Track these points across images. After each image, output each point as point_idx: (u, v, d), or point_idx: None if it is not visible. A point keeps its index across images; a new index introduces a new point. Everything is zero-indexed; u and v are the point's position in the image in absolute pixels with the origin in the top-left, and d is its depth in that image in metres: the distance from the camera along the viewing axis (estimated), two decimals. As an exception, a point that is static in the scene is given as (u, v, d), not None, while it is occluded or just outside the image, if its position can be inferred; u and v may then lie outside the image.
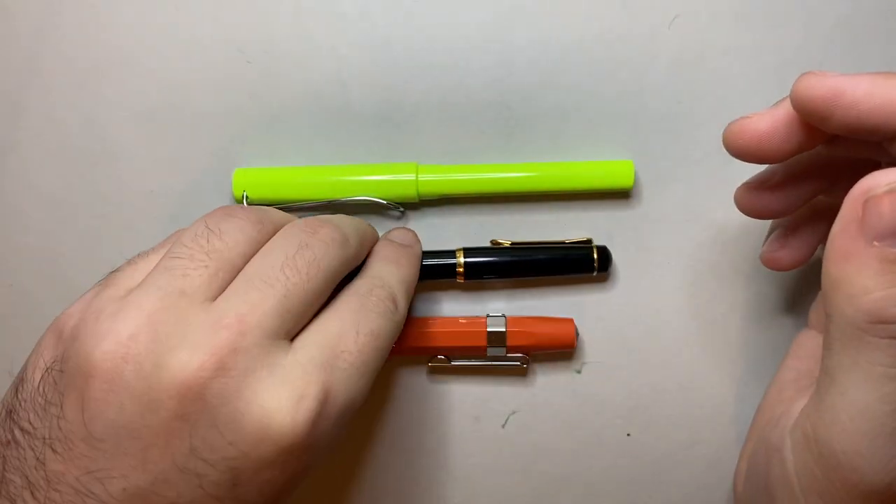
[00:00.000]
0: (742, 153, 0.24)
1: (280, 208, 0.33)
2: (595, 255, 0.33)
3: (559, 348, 0.33)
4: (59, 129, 0.35)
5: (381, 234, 0.33)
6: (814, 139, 0.23)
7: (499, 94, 0.34)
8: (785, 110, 0.24)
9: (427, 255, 0.33)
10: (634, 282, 0.34)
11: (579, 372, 0.34)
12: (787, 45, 0.34)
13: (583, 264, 0.33)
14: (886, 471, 0.20)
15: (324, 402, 0.23)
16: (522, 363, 0.33)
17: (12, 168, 0.35)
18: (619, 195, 0.34)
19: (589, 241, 0.33)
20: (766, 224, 0.33)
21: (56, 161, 0.35)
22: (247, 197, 0.33)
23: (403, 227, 0.33)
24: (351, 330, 0.25)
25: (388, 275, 0.29)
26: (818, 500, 0.22)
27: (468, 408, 0.34)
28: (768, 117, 0.24)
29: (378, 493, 0.34)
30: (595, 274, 0.33)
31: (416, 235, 0.33)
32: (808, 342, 0.31)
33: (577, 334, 0.33)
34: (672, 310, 0.34)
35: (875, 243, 0.19)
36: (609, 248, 0.33)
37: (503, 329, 0.32)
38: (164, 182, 0.35)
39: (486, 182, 0.33)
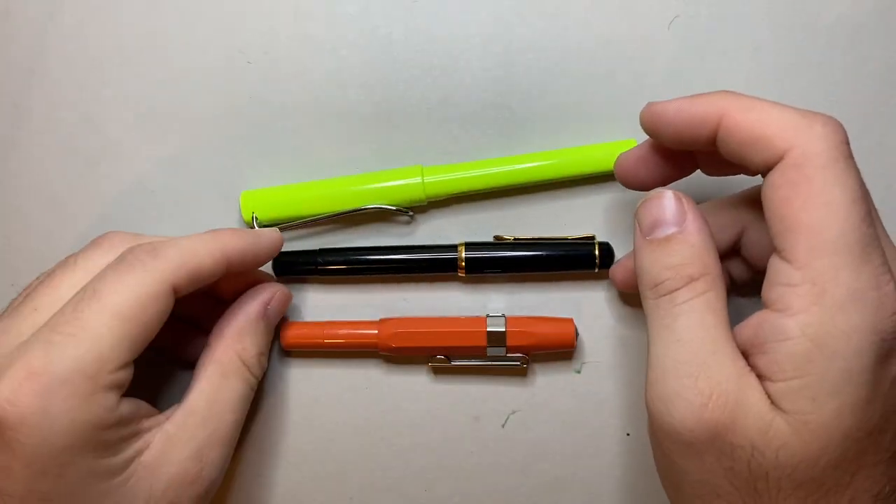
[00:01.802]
0: (624, 182, 0.30)
1: (291, 226, 0.34)
2: (597, 252, 0.33)
3: (559, 348, 0.33)
4: (59, 129, 0.35)
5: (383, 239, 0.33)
6: (677, 164, 0.29)
7: (499, 94, 0.34)
8: (647, 143, 0.29)
9: (429, 249, 0.33)
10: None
11: (579, 372, 0.34)
12: (787, 45, 0.34)
13: (585, 260, 0.33)
14: (674, 407, 0.24)
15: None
16: (522, 363, 0.33)
17: (13, 168, 0.35)
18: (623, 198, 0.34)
19: (592, 238, 0.33)
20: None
21: (56, 161, 0.35)
22: (256, 219, 0.34)
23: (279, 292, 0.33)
24: None
25: None
26: (659, 453, 0.26)
27: (468, 407, 0.34)
28: (636, 150, 0.30)
29: (378, 493, 0.34)
30: (597, 270, 0.33)
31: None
32: None
33: (577, 334, 0.33)
34: (672, 310, 0.34)
35: (646, 237, 0.26)
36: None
37: (503, 329, 0.32)
38: (165, 182, 0.35)
39: (493, 176, 0.33)
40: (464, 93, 0.34)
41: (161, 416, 0.29)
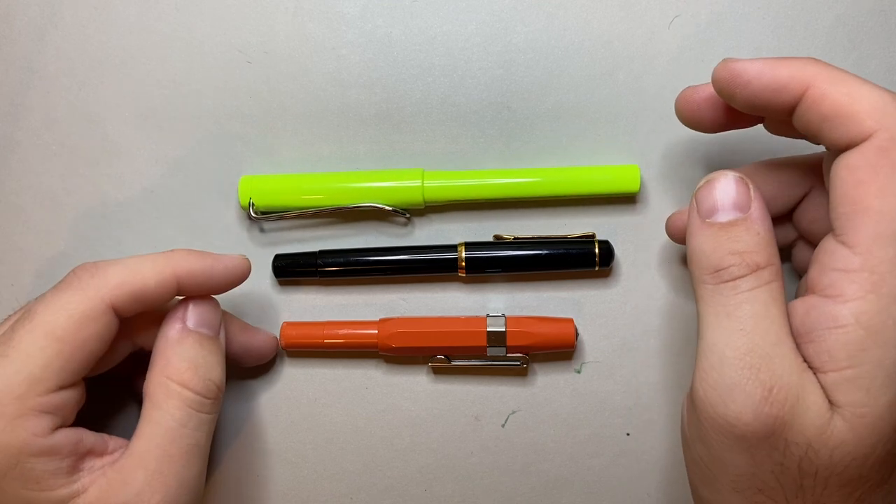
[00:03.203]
0: (683, 118, 0.29)
1: (287, 216, 0.33)
2: (597, 250, 0.33)
3: (559, 348, 0.33)
4: (59, 129, 0.35)
5: (384, 241, 0.33)
6: (744, 115, 0.27)
7: (499, 94, 0.34)
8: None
9: (429, 249, 0.33)
10: (634, 281, 0.34)
11: (579, 371, 0.34)
12: (787, 45, 0.34)
13: (585, 259, 0.33)
14: (733, 399, 0.23)
15: None
16: (522, 363, 0.33)
17: (12, 168, 0.35)
18: (623, 198, 0.34)
19: (591, 236, 0.33)
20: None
21: (56, 161, 0.35)
22: (253, 204, 0.34)
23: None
24: None
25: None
26: (701, 446, 0.25)
27: (468, 407, 0.34)
28: (705, 88, 0.28)
29: (378, 493, 0.34)
30: (597, 269, 0.33)
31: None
32: None
33: (577, 334, 0.33)
34: (672, 310, 0.34)
35: (707, 220, 0.25)
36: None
37: (503, 329, 0.32)
38: (164, 182, 0.35)
39: (492, 188, 0.33)
40: (464, 93, 0.34)
41: (109, 458, 0.27)
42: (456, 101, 0.34)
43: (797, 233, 0.30)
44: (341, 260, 0.34)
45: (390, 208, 0.33)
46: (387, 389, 0.34)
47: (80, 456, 0.27)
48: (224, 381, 0.30)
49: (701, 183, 0.25)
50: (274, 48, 0.35)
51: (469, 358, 0.33)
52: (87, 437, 0.27)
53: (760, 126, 0.29)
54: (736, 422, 0.23)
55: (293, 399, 0.34)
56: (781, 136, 0.28)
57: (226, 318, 0.31)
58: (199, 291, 0.29)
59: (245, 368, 0.34)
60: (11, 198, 0.35)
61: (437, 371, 0.34)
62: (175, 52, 0.35)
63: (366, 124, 0.34)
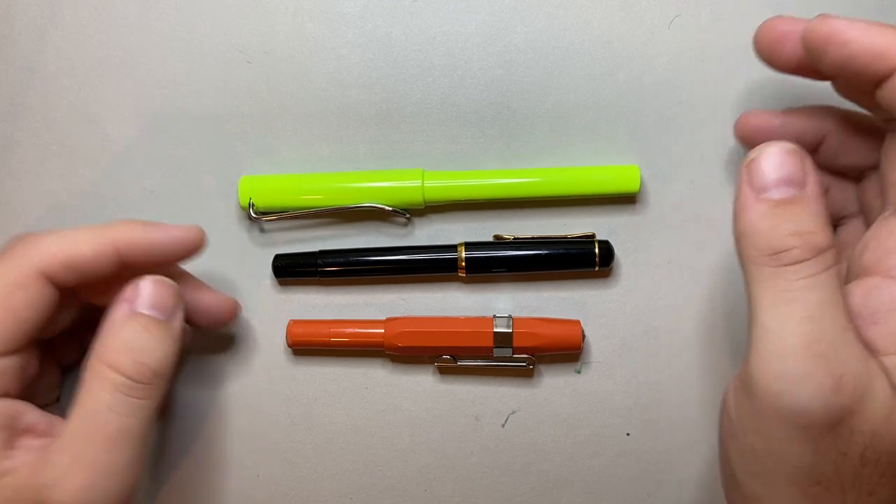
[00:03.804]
0: (761, 50, 0.27)
1: (287, 216, 0.33)
2: (597, 250, 0.33)
3: (565, 350, 0.33)
4: (59, 129, 0.35)
5: (386, 241, 0.33)
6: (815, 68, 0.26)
7: (499, 94, 0.34)
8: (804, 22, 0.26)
9: (429, 249, 0.33)
10: (634, 281, 0.34)
11: (579, 372, 0.34)
12: (787, 45, 0.34)
13: (585, 259, 0.33)
14: (801, 389, 0.22)
15: None
16: (528, 364, 0.33)
17: (12, 168, 0.35)
18: (623, 198, 0.34)
19: (592, 236, 0.33)
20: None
21: (56, 161, 0.35)
22: (253, 205, 0.34)
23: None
24: None
25: None
26: (755, 436, 0.23)
27: (468, 407, 0.34)
28: (791, 22, 0.26)
29: (378, 493, 0.34)
30: (597, 269, 0.33)
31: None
32: None
33: (584, 336, 0.33)
34: (672, 310, 0.34)
35: (761, 196, 0.23)
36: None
37: (510, 330, 0.32)
38: (164, 182, 0.35)
39: (492, 188, 0.33)
40: (464, 93, 0.34)
41: (49, 439, 0.27)
42: (456, 101, 0.34)
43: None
44: (341, 260, 0.34)
45: (390, 208, 0.33)
46: (388, 389, 0.34)
47: (17, 432, 0.26)
48: (167, 366, 0.28)
49: (753, 154, 0.24)
50: (274, 48, 0.35)
51: (475, 359, 0.33)
52: (29, 413, 0.27)
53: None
54: (804, 413, 0.22)
55: (293, 399, 0.34)
56: (851, 101, 0.27)
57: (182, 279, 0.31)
58: (146, 262, 0.29)
59: (244, 368, 0.34)
60: (11, 198, 0.35)
61: (442, 371, 0.34)
62: (175, 52, 0.35)
63: (366, 124, 0.34)
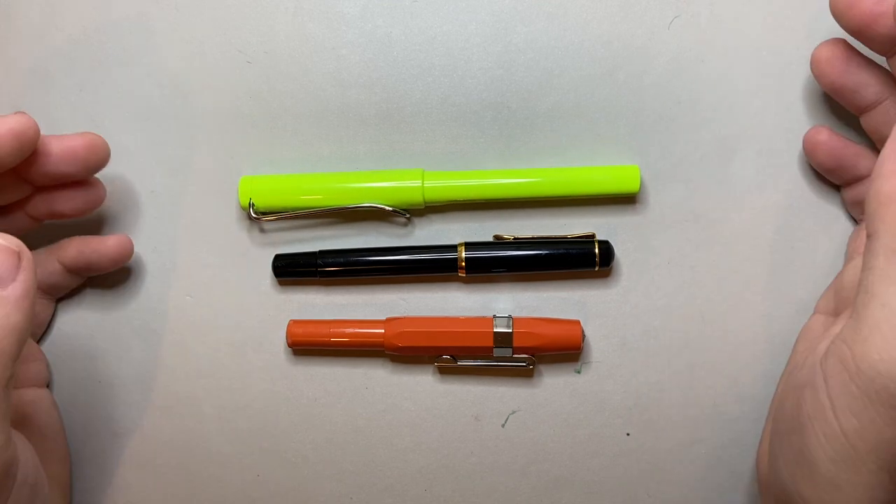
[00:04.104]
0: (836, 9, 0.28)
1: (287, 216, 0.33)
2: (597, 250, 0.33)
3: (565, 350, 0.33)
4: (59, 129, 0.35)
5: (389, 242, 0.33)
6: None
7: (499, 94, 0.34)
8: None
9: (429, 249, 0.33)
10: (634, 281, 0.34)
11: (579, 372, 0.34)
12: (787, 45, 0.34)
13: (585, 259, 0.33)
14: None
15: None
16: (528, 364, 0.33)
17: (12, 168, 0.35)
18: (623, 198, 0.34)
19: (592, 236, 0.33)
20: (765, 225, 0.33)
21: (56, 161, 0.35)
22: (253, 205, 0.34)
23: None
24: None
25: None
26: (852, 418, 0.22)
27: (468, 407, 0.34)
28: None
29: (378, 493, 0.34)
30: (597, 269, 0.33)
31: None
32: (818, 325, 0.31)
33: (584, 336, 0.33)
34: (672, 310, 0.34)
35: None
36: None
37: (510, 330, 0.32)
38: (165, 182, 0.35)
39: (492, 188, 0.33)
40: (464, 93, 0.34)
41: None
42: (456, 101, 0.34)
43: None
44: (341, 260, 0.34)
45: (390, 208, 0.34)
46: (388, 389, 0.34)
47: None
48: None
49: None
50: (274, 48, 0.35)
51: (475, 359, 0.33)
52: None
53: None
54: None
55: (293, 399, 0.34)
56: None
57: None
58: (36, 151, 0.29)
59: (245, 367, 0.34)
60: (11, 198, 0.35)
61: (442, 371, 0.34)
62: (175, 52, 0.35)
63: (366, 124, 0.34)
